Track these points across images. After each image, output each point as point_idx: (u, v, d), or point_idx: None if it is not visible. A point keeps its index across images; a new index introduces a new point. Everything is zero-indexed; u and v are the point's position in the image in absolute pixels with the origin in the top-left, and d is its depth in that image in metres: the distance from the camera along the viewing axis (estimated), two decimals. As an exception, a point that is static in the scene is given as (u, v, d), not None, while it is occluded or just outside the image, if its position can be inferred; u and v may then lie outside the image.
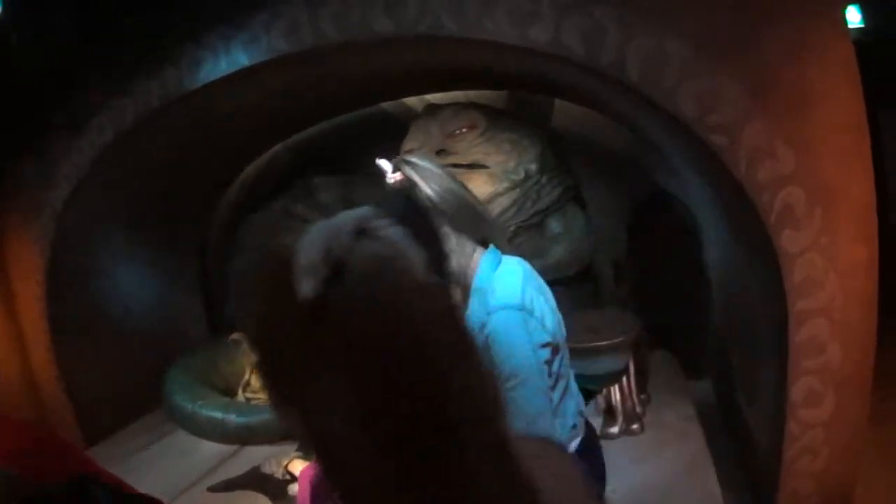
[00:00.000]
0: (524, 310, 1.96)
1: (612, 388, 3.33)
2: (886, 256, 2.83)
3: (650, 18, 2.75)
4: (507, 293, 1.97)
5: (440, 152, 4.01)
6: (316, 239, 0.85)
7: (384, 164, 2.09)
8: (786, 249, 2.76)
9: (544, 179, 3.97)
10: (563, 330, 2.14)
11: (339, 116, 4.77)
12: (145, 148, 3.95)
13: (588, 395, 3.24)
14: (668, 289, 4.06)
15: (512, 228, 3.92)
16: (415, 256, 0.89)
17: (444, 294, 0.93)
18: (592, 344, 3.12)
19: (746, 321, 3.29)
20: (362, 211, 0.91)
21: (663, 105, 2.81)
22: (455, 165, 3.93)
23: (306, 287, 0.80)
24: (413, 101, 4.77)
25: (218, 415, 4.08)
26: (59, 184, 3.96)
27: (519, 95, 4.41)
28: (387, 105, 4.84)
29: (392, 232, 0.89)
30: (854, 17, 5.34)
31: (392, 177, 2.05)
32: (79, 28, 3.55)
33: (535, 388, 1.93)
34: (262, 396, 4.43)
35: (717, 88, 2.72)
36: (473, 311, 1.98)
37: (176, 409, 4.24)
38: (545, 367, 1.99)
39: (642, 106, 3.19)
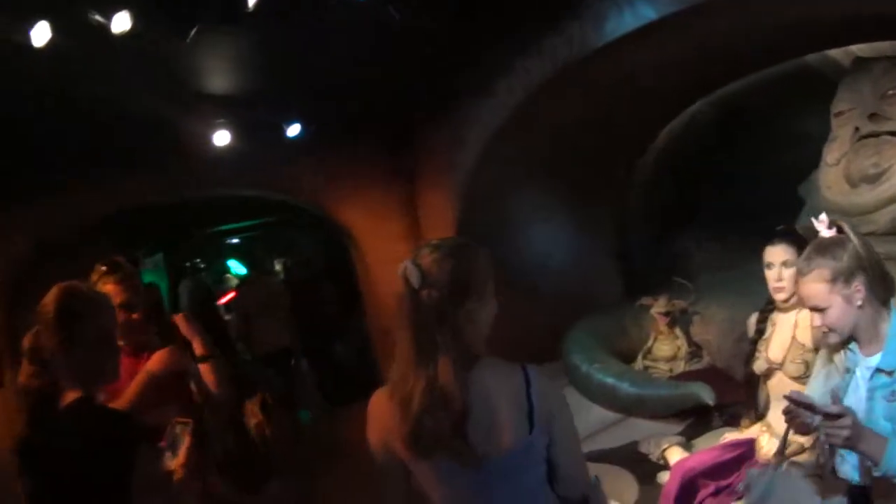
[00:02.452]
0: None
1: None
2: None
3: None
4: None
5: (872, 116, 3.61)
6: None
7: (822, 218, 2.56)
8: None
9: None
10: None
11: (760, 71, 4.56)
12: (556, 107, 4.09)
13: None
14: None
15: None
16: None
17: None
18: None
19: None
20: None
21: None
22: (891, 133, 3.53)
23: None
24: (838, 54, 4.39)
25: (610, 381, 4.11)
26: (470, 144, 4.26)
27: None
28: (810, 59, 4.51)
29: None
30: None
31: (828, 231, 2.51)
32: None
33: None
34: (661, 366, 4.49)
35: None
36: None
37: (571, 368, 4.34)
38: None
39: None
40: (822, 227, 2.53)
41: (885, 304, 2.43)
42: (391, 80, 4.25)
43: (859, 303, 2.39)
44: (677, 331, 4.37)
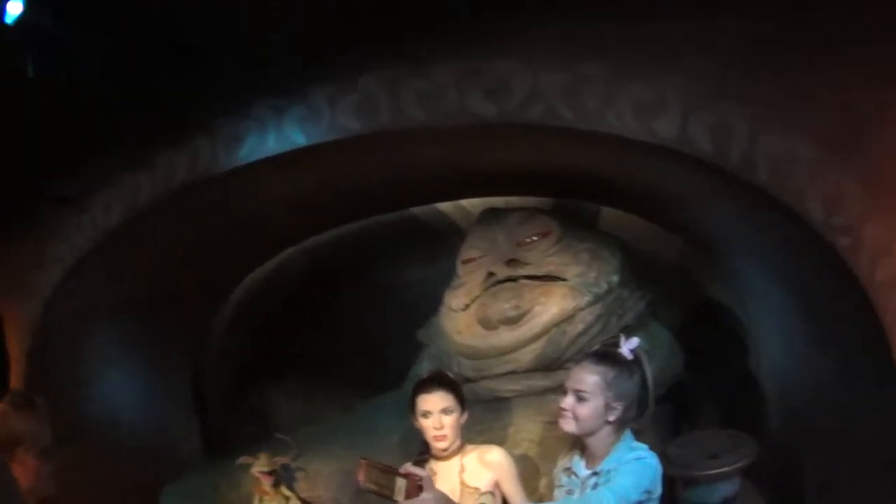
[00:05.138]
0: None
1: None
2: None
3: (777, 117, 2.83)
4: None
5: (511, 262, 3.88)
6: None
7: (632, 340, 2.80)
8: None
9: (626, 293, 3.89)
10: None
11: (362, 220, 4.65)
12: (157, 234, 3.71)
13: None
14: (718, 402, 4.17)
15: (597, 348, 3.72)
16: None
17: None
18: (714, 471, 3.10)
19: (830, 430, 3.34)
20: None
21: (791, 206, 2.87)
22: (529, 277, 3.83)
23: None
24: (447, 207, 4.69)
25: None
26: (51, 267, 3.70)
27: (563, 203, 4.33)
28: (417, 210, 4.73)
29: None
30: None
31: (629, 355, 2.75)
32: (111, 75, 3.04)
33: None
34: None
35: (841, 189, 2.80)
36: None
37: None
38: None
39: (724, 210, 3.30)
40: (627, 348, 2.77)
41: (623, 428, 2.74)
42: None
43: (611, 418, 2.67)
44: (284, 489, 4.06)
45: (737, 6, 2.83)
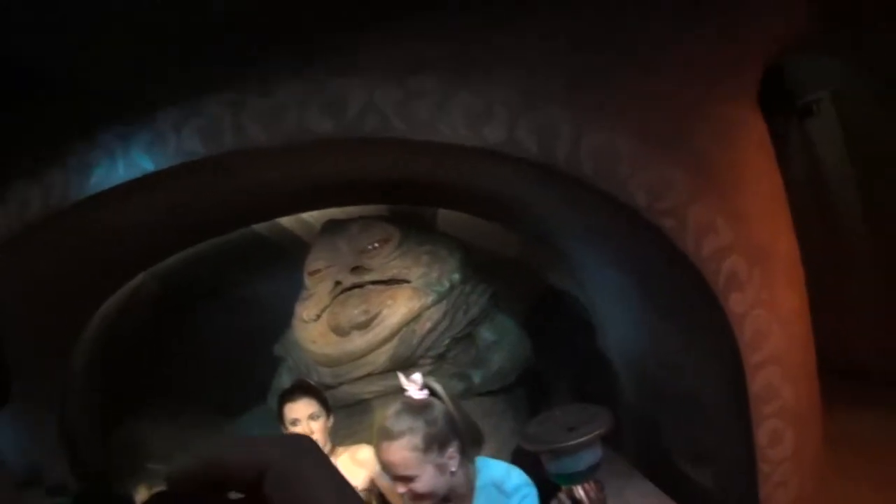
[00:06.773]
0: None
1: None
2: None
3: (598, 116, 3.09)
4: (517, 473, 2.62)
5: (355, 269, 4.01)
6: None
7: (414, 379, 2.52)
8: (734, 310, 3.20)
9: (469, 288, 4.08)
10: None
11: (208, 241, 4.59)
12: (10, 270, 3.58)
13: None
14: (571, 381, 4.42)
15: (446, 342, 3.97)
16: None
17: None
18: (575, 441, 3.28)
19: (682, 390, 3.64)
20: None
21: (617, 196, 3.13)
22: (374, 282, 3.97)
23: None
24: (288, 222, 4.76)
25: None
26: None
27: (401, 208, 4.52)
28: (258, 227, 4.77)
29: None
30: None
31: (419, 393, 2.48)
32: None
33: None
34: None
35: (664, 176, 3.12)
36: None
37: None
38: None
39: (556, 205, 3.55)
40: (413, 388, 2.51)
41: (470, 460, 2.56)
42: None
43: (453, 469, 2.44)
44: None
45: (554, 15, 3.07)
